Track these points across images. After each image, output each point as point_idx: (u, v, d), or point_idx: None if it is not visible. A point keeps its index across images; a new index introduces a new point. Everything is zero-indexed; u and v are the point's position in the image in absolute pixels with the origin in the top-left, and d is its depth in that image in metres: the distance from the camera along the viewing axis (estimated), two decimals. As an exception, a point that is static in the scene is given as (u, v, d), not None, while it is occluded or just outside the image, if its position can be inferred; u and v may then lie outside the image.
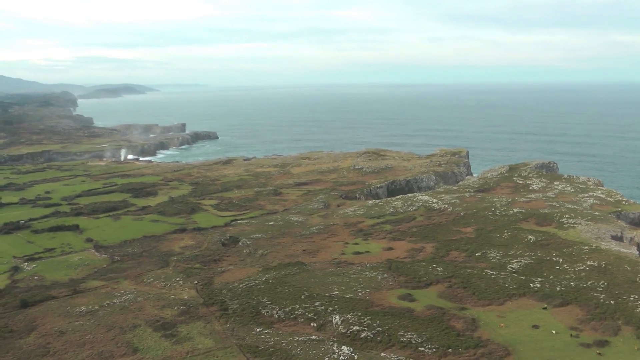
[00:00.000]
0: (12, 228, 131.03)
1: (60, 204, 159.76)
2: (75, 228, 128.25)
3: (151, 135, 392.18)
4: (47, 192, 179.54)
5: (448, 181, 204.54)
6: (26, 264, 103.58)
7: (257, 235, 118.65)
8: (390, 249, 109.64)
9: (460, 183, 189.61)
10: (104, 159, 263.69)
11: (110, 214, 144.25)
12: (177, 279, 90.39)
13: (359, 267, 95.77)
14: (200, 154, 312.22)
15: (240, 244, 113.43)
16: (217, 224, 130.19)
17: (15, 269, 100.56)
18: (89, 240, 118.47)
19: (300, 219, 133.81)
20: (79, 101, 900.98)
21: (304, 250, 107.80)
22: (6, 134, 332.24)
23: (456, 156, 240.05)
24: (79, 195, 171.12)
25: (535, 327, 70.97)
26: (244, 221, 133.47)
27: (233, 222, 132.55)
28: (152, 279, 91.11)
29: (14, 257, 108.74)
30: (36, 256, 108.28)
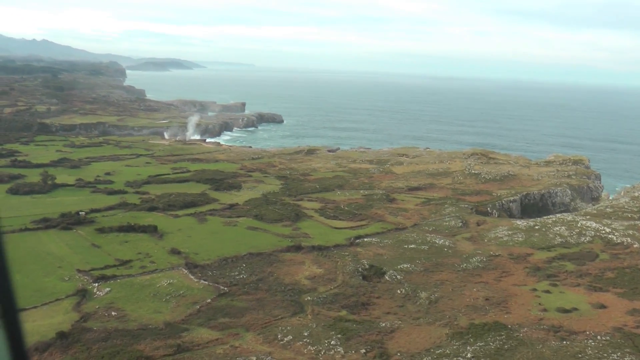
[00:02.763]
0: (71, 222, 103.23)
1: (125, 191, 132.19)
2: (152, 230, 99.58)
3: (210, 113, 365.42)
4: (108, 174, 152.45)
5: (584, 197, 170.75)
6: (96, 285, 74.88)
7: (404, 265, 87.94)
8: (603, 306, 77.57)
9: (610, 203, 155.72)
10: (166, 137, 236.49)
11: (192, 211, 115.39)
12: (331, 341, 60.05)
13: (590, 342, 64.31)
14: (269, 138, 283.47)
15: (387, 278, 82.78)
16: (339, 242, 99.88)
17: (83, 294, 71.77)
18: (175, 251, 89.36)
19: (446, 243, 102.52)
20: (127, 72, 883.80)
21: (486, 300, 76.56)
22: (58, 101, 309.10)
23: (579, 165, 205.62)
24: (146, 182, 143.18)
25: None
26: (372, 239, 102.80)
27: (358, 240, 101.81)
28: (289, 336, 61.14)
29: (78, 270, 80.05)
30: (108, 272, 79.58)
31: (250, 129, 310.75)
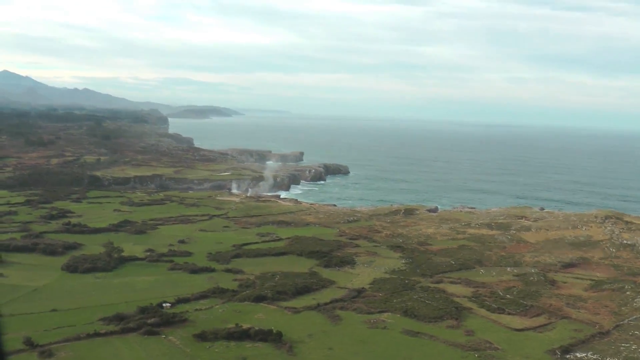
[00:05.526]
0: (157, 322, 75.30)
1: (212, 269, 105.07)
2: (275, 338, 71.64)
3: (267, 162, 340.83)
4: (182, 242, 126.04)
5: None
6: None
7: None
8: None
9: None
10: (235, 192, 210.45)
11: (311, 301, 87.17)
12: None
13: None
14: (343, 193, 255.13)
15: None
16: (542, 358, 69.49)
17: None
18: (324, 381, 60.03)
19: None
20: (169, 120, 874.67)
21: None
22: (107, 151, 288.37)
23: None
24: (235, 255, 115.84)
25: None
26: (590, 356, 72.11)
27: (568, 355, 71.65)
28: None
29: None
30: None
31: (319, 182, 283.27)
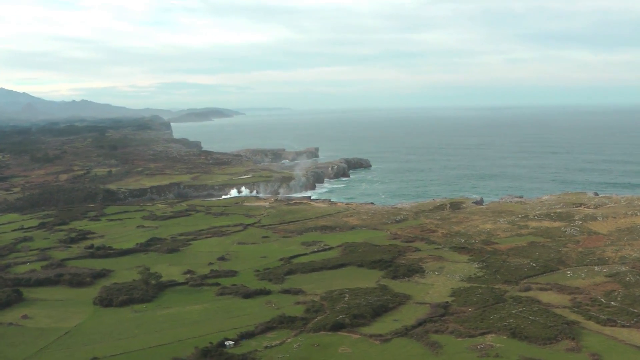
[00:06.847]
0: (225, 368, 62.40)
1: (267, 290, 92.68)
2: (374, 381, 57.96)
3: (283, 161, 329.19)
4: (222, 259, 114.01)
5: None
6: None
7: None
8: None
9: None
10: (261, 196, 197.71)
11: (394, 324, 74.69)
12: None
13: None
14: (371, 189, 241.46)
15: None
16: None
17: None
18: None
19: None
20: (171, 124, 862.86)
21: None
22: (117, 162, 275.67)
23: None
24: (288, 271, 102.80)
25: None
26: None
27: None
28: None
29: None
30: None
31: (343, 178, 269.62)
